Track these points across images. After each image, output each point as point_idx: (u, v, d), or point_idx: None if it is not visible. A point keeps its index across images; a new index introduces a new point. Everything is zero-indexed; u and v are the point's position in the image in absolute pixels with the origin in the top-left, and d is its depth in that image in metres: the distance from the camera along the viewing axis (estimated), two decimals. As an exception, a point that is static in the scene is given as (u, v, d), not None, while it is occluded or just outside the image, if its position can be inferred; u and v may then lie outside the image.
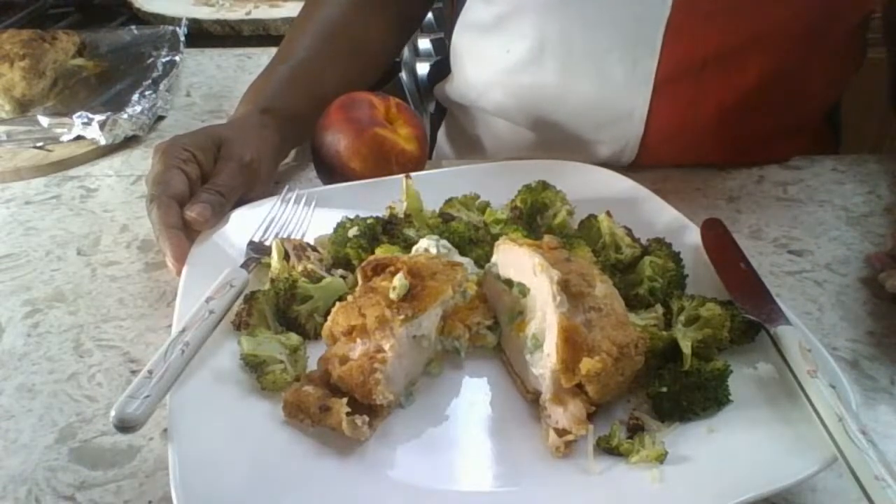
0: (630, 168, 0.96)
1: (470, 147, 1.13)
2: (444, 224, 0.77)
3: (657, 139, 0.95)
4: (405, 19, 1.15)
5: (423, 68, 1.71)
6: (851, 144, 1.16)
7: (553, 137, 1.00)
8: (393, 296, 0.62)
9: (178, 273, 0.74)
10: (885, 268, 0.76)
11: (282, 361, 0.63)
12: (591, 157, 0.96)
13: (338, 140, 0.86)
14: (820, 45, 0.93)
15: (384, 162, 0.86)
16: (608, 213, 0.76)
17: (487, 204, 0.82)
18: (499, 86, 1.01)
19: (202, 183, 0.82)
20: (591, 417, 0.58)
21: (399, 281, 0.62)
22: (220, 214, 0.80)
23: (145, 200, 0.80)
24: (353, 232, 0.75)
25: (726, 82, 0.92)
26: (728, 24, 0.88)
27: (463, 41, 1.06)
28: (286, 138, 0.94)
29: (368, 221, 0.76)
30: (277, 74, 0.98)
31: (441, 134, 1.21)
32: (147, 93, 1.12)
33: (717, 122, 0.94)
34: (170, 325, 0.67)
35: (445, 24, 1.84)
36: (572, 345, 0.58)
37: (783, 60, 0.91)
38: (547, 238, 0.69)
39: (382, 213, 0.79)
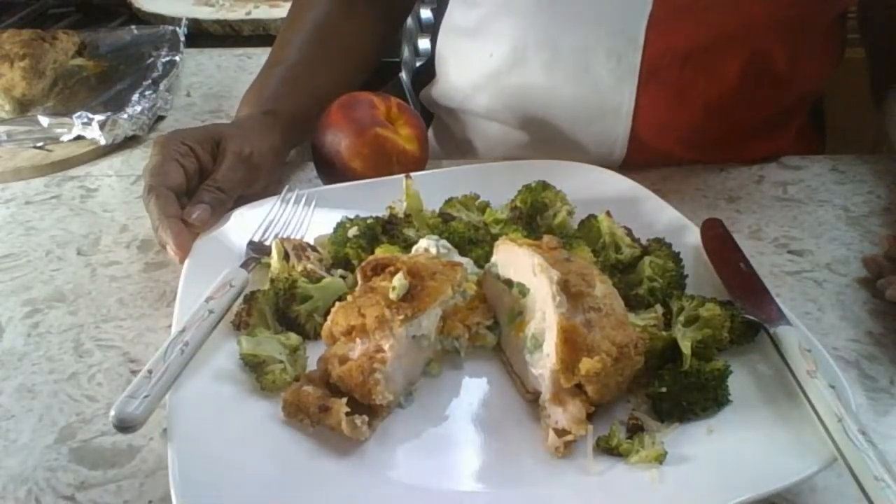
0: (627, 167, 0.95)
1: (459, 150, 1.13)
2: (444, 224, 0.77)
3: (645, 134, 0.95)
4: (390, 16, 1.16)
5: (423, 68, 1.70)
6: (837, 143, 1.17)
7: (541, 137, 1.00)
8: (392, 296, 0.62)
9: (182, 260, 0.74)
10: (883, 272, 0.76)
11: (281, 361, 0.63)
12: (581, 155, 0.96)
13: (339, 140, 0.86)
14: (802, 36, 0.94)
15: (385, 162, 0.86)
16: (608, 213, 0.76)
17: (487, 204, 0.82)
18: (484, 89, 1.01)
19: (199, 179, 0.82)
20: (590, 417, 0.58)
21: (399, 281, 0.62)
22: (221, 212, 0.80)
23: (143, 192, 0.80)
24: (353, 232, 0.75)
25: (710, 76, 0.92)
26: (710, 16, 0.89)
27: (446, 45, 1.07)
28: (287, 139, 0.94)
29: (368, 221, 0.76)
30: (275, 77, 0.99)
31: (430, 137, 1.21)
32: (147, 93, 1.12)
33: (703, 115, 0.95)
34: (170, 325, 0.67)
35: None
36: (572, 345, 0.57)
37: (765, 53, 0.92)
38: (547, 238, 0.69)
39: (382, 213, 0.79)
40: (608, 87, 0.93)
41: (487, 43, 0.98)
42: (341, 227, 0.76)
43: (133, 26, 1.35)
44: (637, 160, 0.97)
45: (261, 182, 0.87)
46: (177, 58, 1.23)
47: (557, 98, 0.96)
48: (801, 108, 1.07)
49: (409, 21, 1.56)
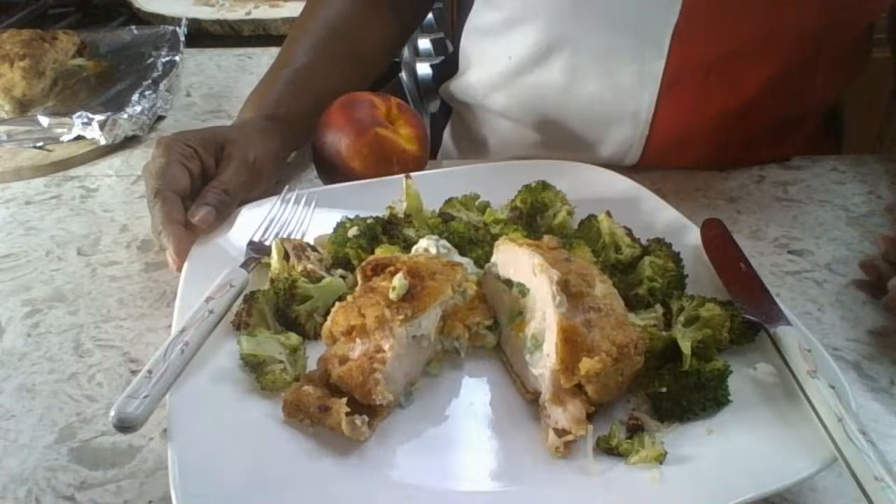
0: (631, 169, 0.96)
1: (475, 146, 1.13)
2: (444, 224, 0.77)
3: (660, 141, 0.95)
4: (406, 19, 1.15)
5: (423, 68, 1.71)
6: (853, 145, 1.16)
7: (558, 138, 1.00)
8: (392, 296, 0.62)
9: (179, 269, 0.74)
10: (882, 275, 0.76)
11: (281, 361, 0.63)
12: (594, 158, 0.96)
13: (339, 140, 0.86)
14: (824, 51, 0.93)
15: (385, 162, 0.86)
16: (608, 213, 0.76)
17: (487, 204, 0.82)
18: (503, 88, 1.01)
19: (202, 182, 0.82)
20: (590, 417, 0.58)
21: (398, 281, 0.62)
22: (225, 214, 0.80)
23: (147, 193, 0.79)
24: (353, 232, 0.75)
25: (731, 86, 0.92)
26: (735, 30, 0.89)
27: (470, 43, 1.07)
28: (287, 143, 0.95)
29: (368, 221, 0.76)
30: (280, 79, 0.98)
31: (446, 133, 1.21)
32: (147, 93, 1.12)
33: (719, 126, 0.94)
34: (170, 325, 0.67)
35: (445, 25, 1.84)
36: (572, 345, 0.58)
37: (788, 66, 0.91)
38: (547, 238, 0.69)
39: (382, 213, 0.79)
40: (628, 90, 0.93)
41: (509, 45, 0.98)
42: (341, 227, 0.76)
43: (133, 26, 1.35)
44: (648, 165, 0.97)
45: (260, 187, 0.87)
46: (177, 58, 1.24)
47: (576, 99, 0.96)
48: (815, 115, 1.06)
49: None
